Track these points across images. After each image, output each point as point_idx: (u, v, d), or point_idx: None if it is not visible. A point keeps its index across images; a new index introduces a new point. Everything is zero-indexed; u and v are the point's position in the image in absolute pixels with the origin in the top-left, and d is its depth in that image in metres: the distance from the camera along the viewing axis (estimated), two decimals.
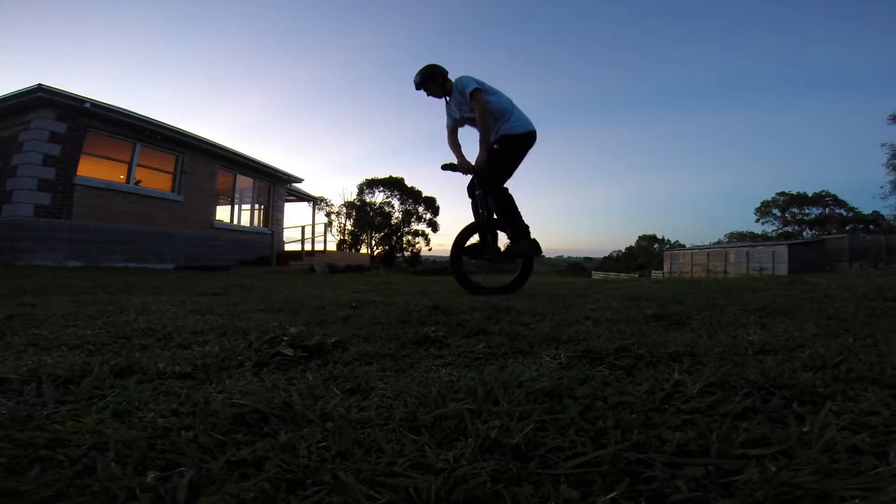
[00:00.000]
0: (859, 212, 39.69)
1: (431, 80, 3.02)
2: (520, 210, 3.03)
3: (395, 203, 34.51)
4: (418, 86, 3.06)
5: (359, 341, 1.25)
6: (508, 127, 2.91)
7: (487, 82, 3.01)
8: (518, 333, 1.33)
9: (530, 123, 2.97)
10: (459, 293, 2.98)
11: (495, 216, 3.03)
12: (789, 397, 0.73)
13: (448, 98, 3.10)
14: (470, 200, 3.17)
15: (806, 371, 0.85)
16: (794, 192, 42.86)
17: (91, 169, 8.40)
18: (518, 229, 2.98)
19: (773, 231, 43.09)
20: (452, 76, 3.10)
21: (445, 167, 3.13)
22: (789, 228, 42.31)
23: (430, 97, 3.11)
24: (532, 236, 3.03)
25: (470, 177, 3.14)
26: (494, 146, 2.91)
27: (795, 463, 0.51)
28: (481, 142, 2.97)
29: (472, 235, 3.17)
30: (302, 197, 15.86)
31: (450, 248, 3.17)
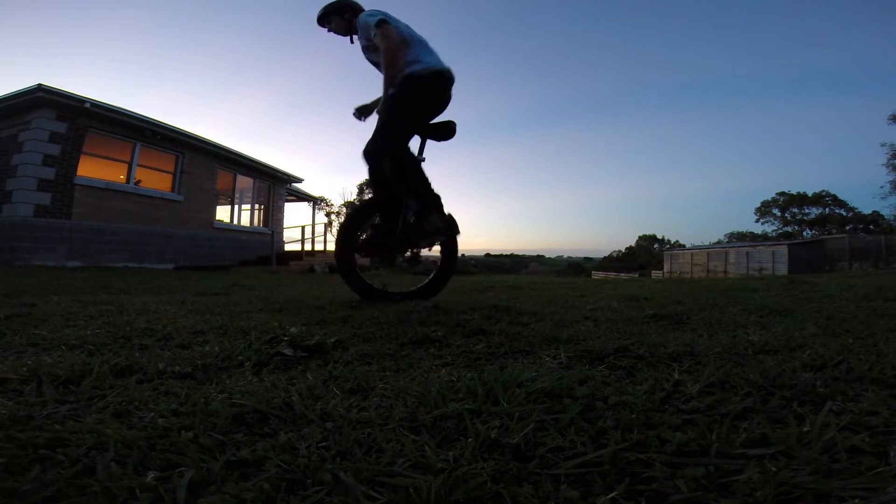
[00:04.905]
0: (859, 212, 39.71)
1: (336, 12, 2.45)
2: (427, 177, 2.28)
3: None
4: (321, 19, 2.49)
5: (359, 341, 1.25)
6: (411, 67, 2.25)
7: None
8: (518, 333, 1.33)
9: (440, 62, 2.31)
10: (459, 292, 2.97)
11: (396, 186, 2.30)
12: (789, 397, 0.73)
13: (353, 39, 2.50)
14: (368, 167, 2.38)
15: (806, 371, 0.85)
16: (794, 192, 42.91)
17: (91, 169, 8.40)
18: (425, 200, 2.23)
19: (773, 231, 43.11)
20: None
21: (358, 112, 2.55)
22: (789, 228, 42.32)
23: (331, 34, 2.51)
24: (448, 212, 2.29)
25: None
26: (390, 91, 2.25)
27: (795, 463, 0.51)
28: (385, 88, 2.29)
29: (367, 220, 2.43)
30: (302, 197, 15.86)
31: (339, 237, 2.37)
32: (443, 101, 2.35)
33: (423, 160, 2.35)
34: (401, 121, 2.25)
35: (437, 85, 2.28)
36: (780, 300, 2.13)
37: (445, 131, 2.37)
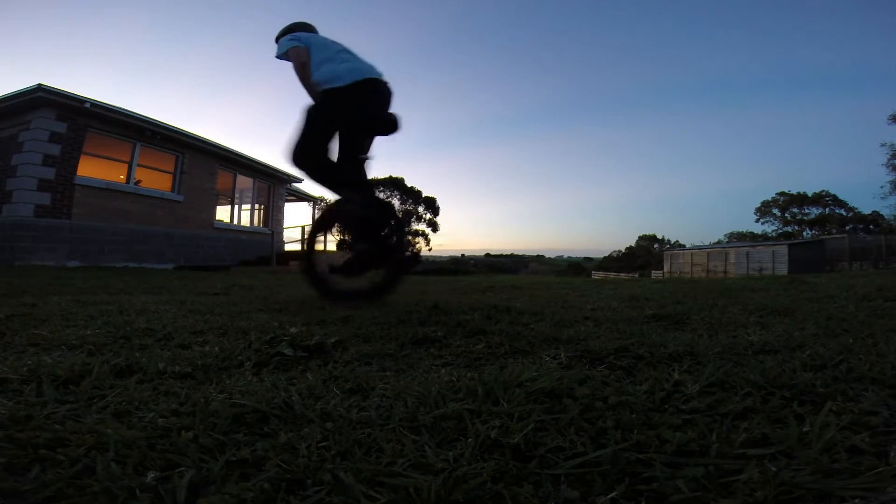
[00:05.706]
0: (859, 212, 39.71)
1: (277, 40, 2.58)
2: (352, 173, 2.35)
3: (396, 203, 34.61)
4: (276, 41, 2.61)
5: (359, 341, 1.25)
6: (330, 84, 2.27)
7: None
8: (518, 333, 1.33)
9: (360, 72, 2.30)
10: (459, 292, 2.98)
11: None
12: (789, 397, 0.73)
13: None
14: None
15: (806, 371, 0.85)
16: (794, 192, 42.90)
17: (91, 169, 8.40)
18: (343, 178, 2.32)
19: (773, 231, 43.10)
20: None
21: None
22: (789, 228, 42.32)
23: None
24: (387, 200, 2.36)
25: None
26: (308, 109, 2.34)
27: (795, 463, 0.51)
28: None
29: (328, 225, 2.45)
30: (302, 197, 15.85)
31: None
32: (376, 105, 2.36)
33: (370, 158, 2.45)
34: (316, 132, 2.28)
35: (358, 93, 2.27)
36: (780, 300, 2.13)
37: (386, 125, 2.40)
